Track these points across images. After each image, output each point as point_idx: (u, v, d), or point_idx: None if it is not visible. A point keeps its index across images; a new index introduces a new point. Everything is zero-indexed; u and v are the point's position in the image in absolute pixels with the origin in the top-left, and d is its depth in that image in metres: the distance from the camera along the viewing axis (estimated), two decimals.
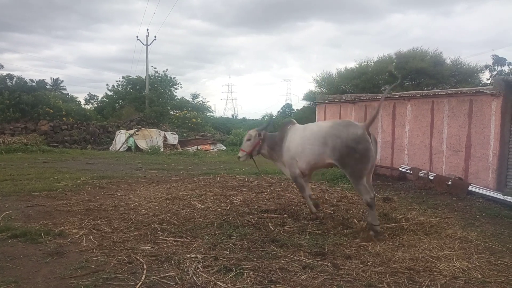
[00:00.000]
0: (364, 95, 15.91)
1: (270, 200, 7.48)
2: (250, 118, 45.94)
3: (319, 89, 29.32)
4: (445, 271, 4.04)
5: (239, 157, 6.55)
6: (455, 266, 4.16)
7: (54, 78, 50.34)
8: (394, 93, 12.12)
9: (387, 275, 3.91)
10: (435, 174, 9.15)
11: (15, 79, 22.66)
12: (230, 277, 3.82)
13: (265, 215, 6.29)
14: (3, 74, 22.96)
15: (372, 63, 27.65)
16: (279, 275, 3.88)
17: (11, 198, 7.20)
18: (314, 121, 14.78)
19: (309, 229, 5.50)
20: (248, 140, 6.48)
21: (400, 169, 10.28)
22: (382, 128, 11.22)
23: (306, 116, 24.09)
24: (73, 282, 3.66)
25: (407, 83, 26.41)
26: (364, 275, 3.91)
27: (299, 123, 6.50)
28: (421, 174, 9.52)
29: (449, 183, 8.59)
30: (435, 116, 9.46)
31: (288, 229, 5.51)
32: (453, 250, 4.67)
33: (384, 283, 3.72)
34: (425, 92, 11.33)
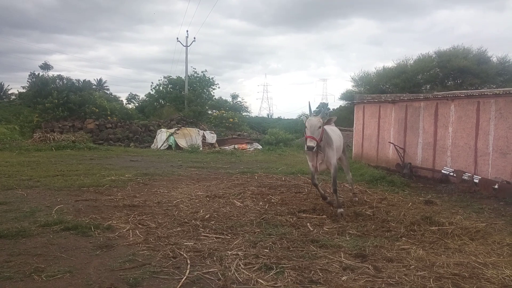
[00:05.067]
0: (404, 94, 15.53)
1: (308, 200, 7.48)
2: (285, 118, 45.93)
3: (356, 88, 28.85)
4: (494, 278, 3.90)
5: (311, 147, 5.81)
6: (504, 274, 4.01)
7: (98, 79, 52.60)
8: (436, 93, 11.74)
9: (431, 279, 3.84)
10: (480, 177, 8.80)
11: (64, 79, 23.86)
12: (271, 275, 3.89)
13: (304, 215, 6.31)
14: (54, 75, 24.26)
15: (412, 62, 26.85)
16: (319, 275, 3.91)
17: (62, 192, 7.64)
18: (353, 121, 14.58)
19: (348, 231, 5.48)
20: (320, 127, 5.95)
21: (443, 171, 9.95)
22: (424, 129, 10.90)
23: (344, 115, 23.75)
24: (122, 274, 3.86)
25: (450, 83, 25.47)
26: (407, 278, 3.86)
27: (336, 123, 6.86)
28: (465, 177, 9.18)
29: (496, 186, 8.23)
30: (480, 117, 9.09)
31: (327, 230, 5.51)
32: (501, 257, 4.50)
33: None
34: (470, 92, 10.90)
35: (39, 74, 23.96)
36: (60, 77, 23.62)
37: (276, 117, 50.33)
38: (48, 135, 18.09)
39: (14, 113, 23.72)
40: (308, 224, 5.77)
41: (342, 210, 6.29)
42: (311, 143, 5.80)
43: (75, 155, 14.80)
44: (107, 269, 3.99)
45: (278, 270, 3.99)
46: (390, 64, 34.54)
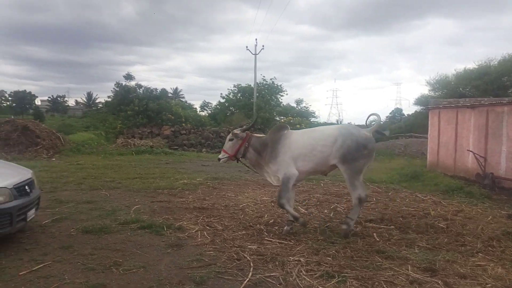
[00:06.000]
0: (486, 98, 14.35)
1: (376, 210, 7.25)
2: (356, 124, 44.82)
3: (433, 93, 27.21)
4: None
5: (219, 159, 5.97)
6: None
7: (174, 87, 55.91)
8: None
9: None
10: None
11: (142, 88, 25.76)
12: (333, 283, 3.86)
13: (370, 225, 6.14)
14: (133, 84, 26.29)
15: (496, 63, 24.67)
16: (383, 287, 3.80)
17: (140, 194, 8.27)
18: (427, 128, 13.80)
19: (418, 243, 5.21)
20: (231, 140, 5.87)
21: None
22: (508, 136, 9.97)
23: (418, 121, 22.52)
24: (190, 273, 4.09)
25: None
26: None
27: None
28: None
29: None
30: None
31: (394, 241, 5.30)
32: None
33: None
34: None
35: (123, 84, 26.09)
36: (138, 86, 25.55)
37: (346, 122, 49.29)
38: (129, 141, 19.66)
39: (100, 120, 26.08)
40: (374, 234, 5.60)
41: (288, 228, 5.51)
42: (220, 155, 6.01)
43: (152, 159, 15.88)
44: (176, 267, 4.25)
45: (340, 278, 3.95)
46: (471, 65, 32.08)
